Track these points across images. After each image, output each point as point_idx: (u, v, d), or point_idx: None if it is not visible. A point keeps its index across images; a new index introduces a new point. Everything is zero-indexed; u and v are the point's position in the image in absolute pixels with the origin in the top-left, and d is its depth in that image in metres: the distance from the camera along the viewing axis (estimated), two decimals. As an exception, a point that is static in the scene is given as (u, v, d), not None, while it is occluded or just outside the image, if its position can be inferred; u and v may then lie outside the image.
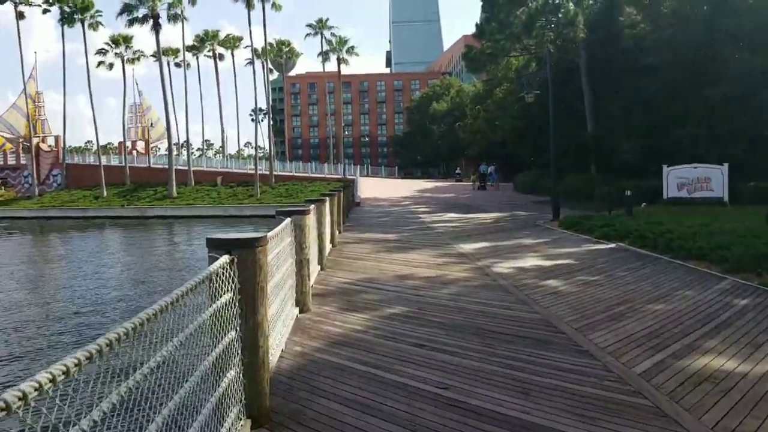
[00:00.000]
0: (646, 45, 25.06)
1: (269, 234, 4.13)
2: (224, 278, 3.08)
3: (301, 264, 6.67)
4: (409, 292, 7.64)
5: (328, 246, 11.32)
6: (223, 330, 3.04)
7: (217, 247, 3.28)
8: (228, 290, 3.13)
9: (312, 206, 8.24)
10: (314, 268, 9.00)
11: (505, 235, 14.24)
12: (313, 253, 8.80)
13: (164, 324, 2.16)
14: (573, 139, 28.65)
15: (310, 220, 7.22)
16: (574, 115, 28.50)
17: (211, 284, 2.95)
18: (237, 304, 3.23)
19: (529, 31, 26.17)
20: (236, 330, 3.22)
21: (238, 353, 3.26)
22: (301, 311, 6.69)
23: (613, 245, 11.65)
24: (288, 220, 6.34)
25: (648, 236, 10.95)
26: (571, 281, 8.19)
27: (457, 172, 56.82)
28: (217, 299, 2.99)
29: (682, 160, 21.33)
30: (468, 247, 12.12)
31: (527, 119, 29.13)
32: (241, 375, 3.30)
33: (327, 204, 11.16)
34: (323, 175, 56.70)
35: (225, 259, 3.15)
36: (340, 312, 6.69)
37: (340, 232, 15.30)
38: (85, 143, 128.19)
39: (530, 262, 10.03)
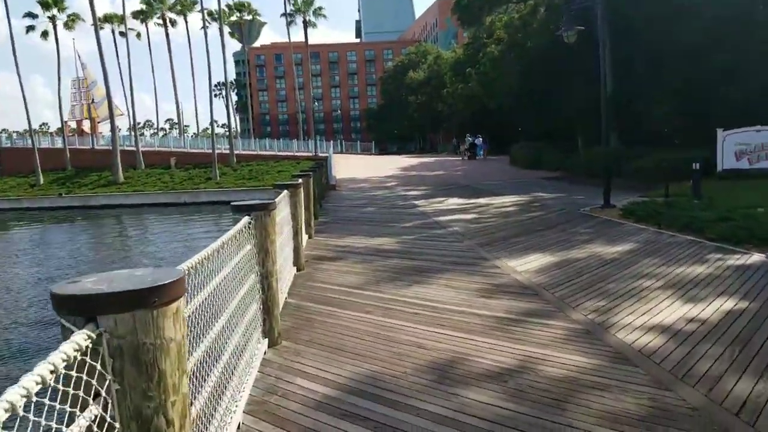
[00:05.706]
0: (682, -19, 20.31)
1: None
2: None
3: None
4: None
5: (286, 283, 6.46)
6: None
7: None
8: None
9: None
10: (255, 353, 4.17)
11: (558, 237, 9.53)
12: (252, 327, 3.98)
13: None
14: (583, 102, 24.22)
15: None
16: (586, 72, 23.75)
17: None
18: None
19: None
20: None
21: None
22: None
23: (763, 257, 7.07)
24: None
25: None
26: None
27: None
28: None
29: (728, 126, 17.08)
30: (521, 265, 7.38)
31: (532, 78, 24.17)
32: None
33: (285, 204, 6.26)
34: (292, 153, 51.33)
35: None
36: None
37: (311, 237, 10.44)
38: (40, 126, 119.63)
39: (666, 310, 5.35)
